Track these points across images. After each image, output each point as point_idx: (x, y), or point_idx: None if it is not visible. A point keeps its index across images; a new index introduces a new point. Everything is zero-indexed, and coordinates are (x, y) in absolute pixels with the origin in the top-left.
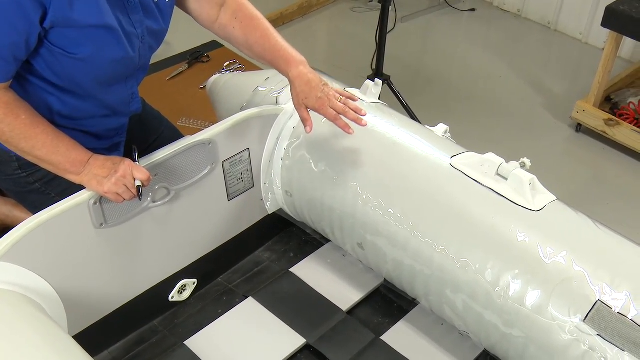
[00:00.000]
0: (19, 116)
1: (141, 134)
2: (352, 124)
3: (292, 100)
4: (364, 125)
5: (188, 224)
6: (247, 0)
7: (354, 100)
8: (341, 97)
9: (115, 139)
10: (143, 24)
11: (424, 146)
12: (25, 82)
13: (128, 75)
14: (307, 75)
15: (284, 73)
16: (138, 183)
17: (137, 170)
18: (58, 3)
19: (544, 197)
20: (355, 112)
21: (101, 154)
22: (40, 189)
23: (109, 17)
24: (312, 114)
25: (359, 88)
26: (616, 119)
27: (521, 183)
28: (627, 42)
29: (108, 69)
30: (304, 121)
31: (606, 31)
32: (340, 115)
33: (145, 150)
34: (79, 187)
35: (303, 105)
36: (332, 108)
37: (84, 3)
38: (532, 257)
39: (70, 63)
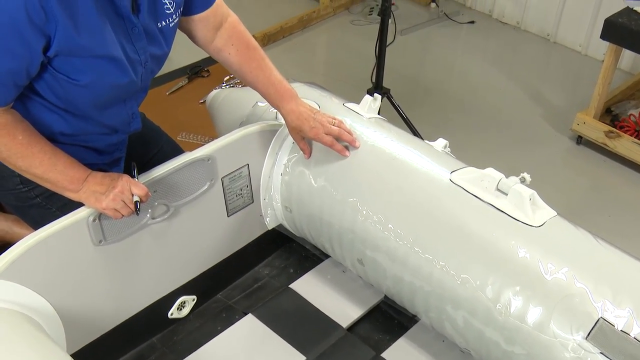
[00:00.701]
0: (15, 137)
1: (140, 148)
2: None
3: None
4: (357, 147)
5: (187, 240)
6: (244, 27)
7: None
8: (334, 120)
9: (116, 154)
10: (146, 50)
11: (423, 161)
12: (26, 100)
13: (128, 98)
14: (298, 110)
15: (276, 108)
16: (136, 199)
17: (135, 186)
18: (62, 33)
19: (545, 212)
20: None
21: (102, 169)
22: (41, 203)
23: (114, 47)
24: None
25: (358, 101)
26: (617, 131)
27: (521, 198)
28: (627, 54)
29: (109, 93)
30: (303, 150)
31: (605, 43)
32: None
33: (145, 165)
34: (80, 202)
35: (299, 137)
36: (327, 133)
37: (89, 34)
38: (533, 273)
39: (72, 88)
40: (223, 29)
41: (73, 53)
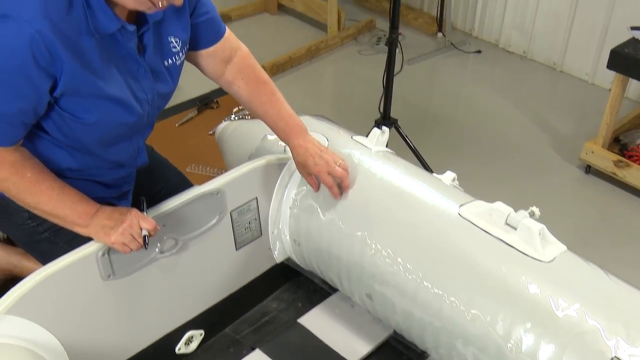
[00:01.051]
0: (24, 175)
1: (148, 181)
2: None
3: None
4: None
5: (196, 274)
6: (254, 60)
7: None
8: (341, 161)
9: (124, 188)
10: (153, 89)
11: (432, 195)
12: (33, 137)
13: (134, 134)
14: (306, 145)
15: (285, 142)
16: (144, 233)
17: (143, 220)
18: (68, 74)
19: (554, 247)
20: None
21: (110, 202)
22: (49, 238)
23: (120, 87)
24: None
25: (367, 131)
26: (626, 160)
27: (531, 233)
28: (634, 83)
29: (114, 131)
30: (311, 185)
31: (612, 72)
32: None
33: (153, 198)
34: (87, 237)
35: (306, 172)
36: (331, 173)
37: (95, 75)
38: (544, 309)
39: (78, 126)
40: (233, 62)
41: (79, 93)
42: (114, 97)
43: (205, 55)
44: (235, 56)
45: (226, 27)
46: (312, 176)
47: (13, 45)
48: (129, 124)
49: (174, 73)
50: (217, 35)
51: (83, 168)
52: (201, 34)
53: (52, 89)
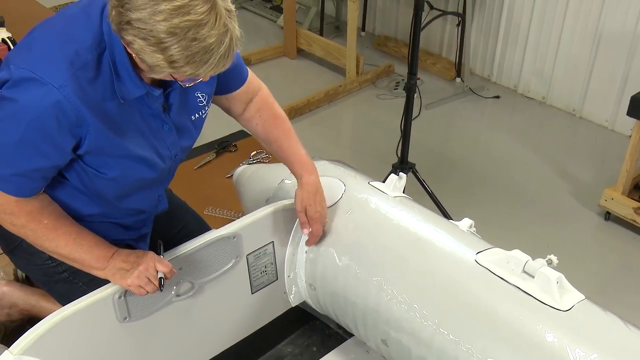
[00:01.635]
0: (41, 222)
1: (166, 224)
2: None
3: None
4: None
5: (211, 317)
6: (273, 99)
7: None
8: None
9: (143, 230)
10: (177, 145)
11: (448, 241)
12: (55, 182)
13: (154, 185)
14: (316, 186)
15: (296, 175)
16: (160, 275)
17: (159, 263)
18: (94, 136)
19: (572, 296)
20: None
21: (129, 244)
22: (68, 278)
23: (144, 146)
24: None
25: (383, 176)
26: None
27: (548, 281)
28: None
29: (134, 185)
30: (303, 224)
31: (633, 119)
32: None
33: (171, 240)
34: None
35: (304, 211)
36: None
37: (120, 136)
38: (561, 359)
39: (99, 180)
40: (253, 102)
41: (103, 152)
42: (138, 156)
43: (230, 98)
44: (255, 96)
45: (248, 69)
46: (306, 216)
47: (38, 109)
48: (150, 178)
49: (199, 125)
50: (240, 81)
51: (103, 213)
52: (226, 81)
53: (76, 147)
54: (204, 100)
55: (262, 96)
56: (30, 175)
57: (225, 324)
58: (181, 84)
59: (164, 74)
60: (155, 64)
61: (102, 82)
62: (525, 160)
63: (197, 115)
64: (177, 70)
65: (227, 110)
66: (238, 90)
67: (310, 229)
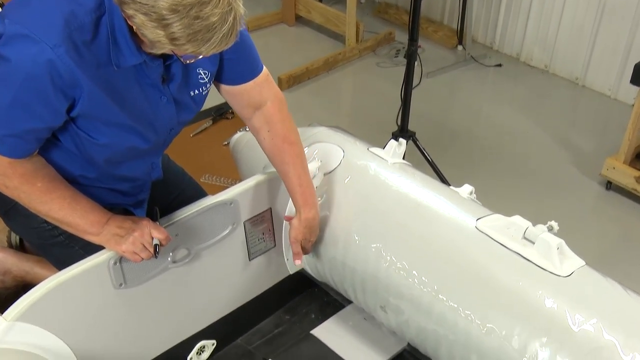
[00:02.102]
0: (34, 184)
1: (163, 190)
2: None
3: (289, 232)
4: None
5: (208, 284)
6: (284, 116)
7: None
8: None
9: (140, 196)
10: (174, 119)
11: (448, 208)
12: (49, 144)
13: (147, 155)
14: (314, 222)
15: (296, 206)
16: (156, 242)
17: (155, 230)
18: (87, 99)
19: (573, 262)
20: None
21: (126, 210)
22: (64, 241)
23: (138, 117)
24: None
25: (383, 144)
26: None
27: (549, 247)
28: None
29: (125, 153)
30: (296, 255)
31: (636, 87)
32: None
33: (167, 207)
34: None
35: (299, 242)
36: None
37: (115, 102)
38: (561, 324)
39: (90, 145)
40: (262, 111)
41: (95, 117)
42: (130, 126)
43: (230, 92)
44: (265, 105)
45: (263, 74)
46: (300, 247)
47: (32, 67)
48: (143, 149)
49: (199, 101)
50: (247, 74)
51: (98, 178)
52: (225, 71)
53: (69, 109)
54: (206, 77)
55: (273, 107)
56: (24, 137)
57: (222, 291)
58: (182, 60)
59: (164, 50)
60: (156, 39)
61: (98, 46)
62: (526, 130)
63: (197, 91)
64: (178, 47)
65: (234, 109)
66: (244, 86)
67: (301, 261)
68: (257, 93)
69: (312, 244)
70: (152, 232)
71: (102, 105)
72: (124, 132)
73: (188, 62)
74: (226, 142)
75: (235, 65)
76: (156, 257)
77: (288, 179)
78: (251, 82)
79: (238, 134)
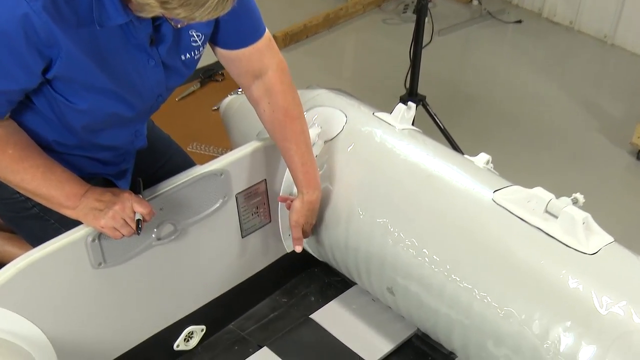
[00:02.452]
0: (5, 151)
1: (148, 159)
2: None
3: (289, 215)
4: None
5: (196, 263)
6: (286, 87)
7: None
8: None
9: (122, 166)
10: (162, 85)
11: (462, 179)
12: (22, 107)
13: (130, 123)
14: (317, 204)
15: (298, 187)
16: (138, 216)
17: (137, 203)
18: (65, 60)
19: (600, 238)
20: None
21: (108, 180)
22: (39, 214)
23: (122, 83)
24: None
25: (390, 110)
26: None
27: (573, 222)
28: None
29: (108, 120)
30: (296, 240)
31: None
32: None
33: (152, 177)
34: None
35: (300, 226)
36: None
37: (96, 64)
38: (586, 307)
39: (68, 110)
40: (262, 80)
41: (74, 80)
42: (113, 91)
43: (227, 56)
44: (266, 74)
45: (265, 39)
46: (299, 230)
47: (4, 22)
48: (126, 116)
49: (191, 65)
50: (247, 38)
51: (77, 145)
52: (221, 33)
53: (45, 70)
54: (199, 40)
55: (276, 77)
56: None
57: (213, 272)
58: (173, 24)
59: (154, 13)
60: (144, 2)
61: (79, 3)
62: (548, 93)
63: (188, 55)
64: (169, 11)
65: (233, 76)
66: (243, 51)
67: (301, 248)
68: (258, 59)
69: (312, 226)
70: (134, 205)
71: (82, 67)
72: (106, 97)
73: (179, 26)
74: (216, 107)
75: (233, 27)
76: (138, 233)
77: (289, 157)
78: (251, 47)
79: (229, 98)
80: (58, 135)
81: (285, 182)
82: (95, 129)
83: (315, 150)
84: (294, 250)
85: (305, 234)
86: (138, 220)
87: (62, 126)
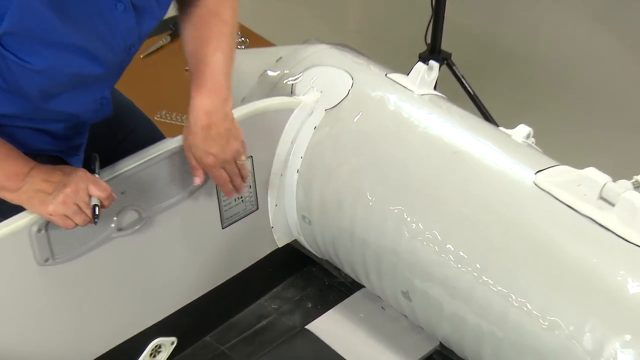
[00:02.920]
0: None
1: (106, 130)
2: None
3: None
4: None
5: (166, 261)
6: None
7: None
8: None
9: (76, 140)
10: (134, 33)
11: (497, 157)
12: None
13: (96, 83)
14: (210, 116)
15: (191, 93)
16: (95, 202)
17: (94, 185)
18: (18, 11)
19: None
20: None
21: (56, 157)
22: None
23: (87, 34)
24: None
25: (407, 70)
26: None
27: (634, 211)
28: None
29: (69, 82)
30: (192, 169)
31: None
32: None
33: (111, 153)
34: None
35: (191, 152)
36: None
37: (55, 14)
38: None
39: (20, 70)
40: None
41: (28, 35)
42: (76, 45)
43: None
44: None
45: None
46: (191, 157)
47: None
48: (93, 75)
49: (165, 3)
50: None
51: (23, 115)
52: None
53: None
54: None
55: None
56: None
57: (186, 271)
58: None
59: None
60: None
61: None
62: (604, 49)
63: None
64: None
65: None
66: None
67: (200, 179)
68: None
69: (238, 178)
70: (89, 187)
71: (38, 17)
72: (69, 53)
73: None
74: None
75: None
76: (95, 222)
77: (197, 56)
78: None
79: None
80: (3, 103)
81: (278, 159)
82: (53, 94)
83: (315, 120)
84: (287, 245)
85: (224, 183)
86: (95, 206)
87: (8, 92)
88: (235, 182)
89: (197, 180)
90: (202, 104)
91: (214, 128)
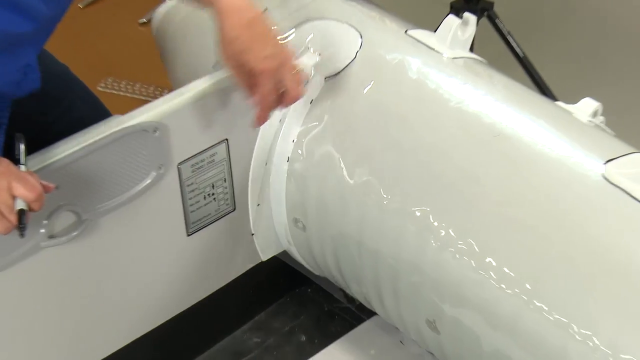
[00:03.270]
0: None
1: (34, 107)
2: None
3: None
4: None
5: (112, 278)
6: None
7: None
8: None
9: None
10: None
11: (554, 141)
12: None
13: (19, 46)
14: (248, 12)
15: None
16: (21, 205)
17: (19, 182)
18: None
19: None
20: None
21: None
22: None
23: None
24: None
25: (433, 26)
26: None
27: None
28: None
29: None
30: (250, 90)
31: None
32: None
33: (41, 135)
34: None
35: (237, 63)
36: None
37: None
38: None
39: None
40: None
41: None
42: None
43: None
44: None
45: None
46: (244, 72)
47: None
48: (19, 33)
49: None
50: None
51: None
52: None
53: None
54: None
55: None
56: None
57: (139, 292)
58: None
59: None
60: None
61: None
62: None
63: None
64: None
65: None
66: None
67: (261, 101)
68: None
69: (280, 70)
70: (13, 186)
71: None
72: None
73: None
74: (144, 20)
75: None
76: (22, 233)
77: None
78: None
79: (167, 4)
80: None
81: (261, 144)
82: None
83: (312, 93)
84: (273, 257)
85: (265, 87)
86: (21, 210)
87: None
88: (293, 91)
89: (257, 124)
90: (233, 1)
91: (258, 25)
